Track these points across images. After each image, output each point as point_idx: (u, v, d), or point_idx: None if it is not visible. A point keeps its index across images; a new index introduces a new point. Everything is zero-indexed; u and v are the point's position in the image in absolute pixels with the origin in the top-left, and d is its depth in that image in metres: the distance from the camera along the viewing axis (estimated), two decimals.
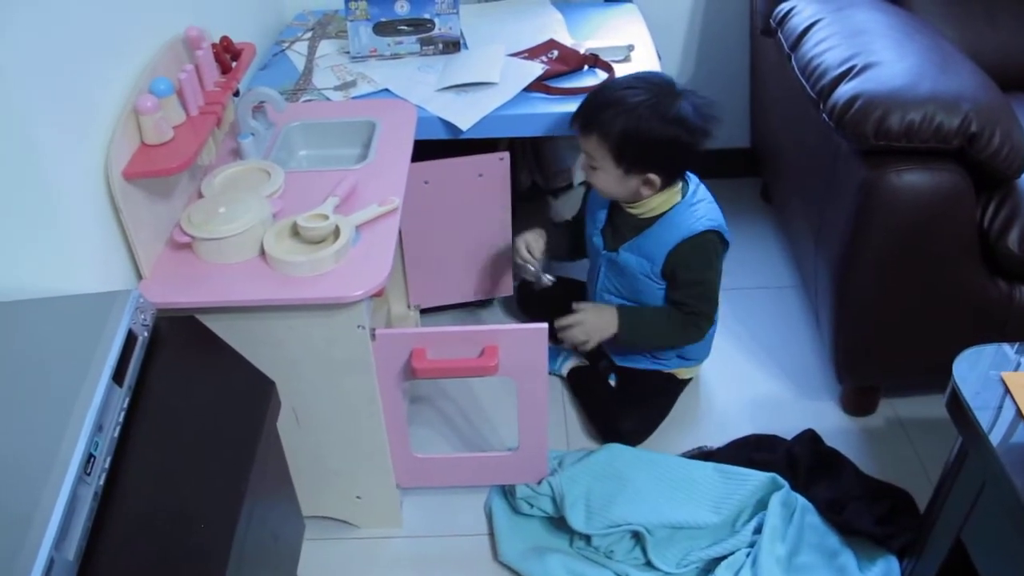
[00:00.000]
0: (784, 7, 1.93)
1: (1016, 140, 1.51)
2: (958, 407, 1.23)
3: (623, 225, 1.76)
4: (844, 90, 1.56)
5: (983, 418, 1.20)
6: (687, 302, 1.73)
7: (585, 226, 1.87)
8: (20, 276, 1.15)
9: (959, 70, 1.59)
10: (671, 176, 1.67)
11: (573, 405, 1.94)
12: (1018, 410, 1.20)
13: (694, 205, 1.70)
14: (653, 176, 1.63)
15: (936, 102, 1.49)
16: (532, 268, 1.83)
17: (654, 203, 1.70)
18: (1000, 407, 1.22)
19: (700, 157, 1.65)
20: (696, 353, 1.88)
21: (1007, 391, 1.23)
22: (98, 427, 0.96)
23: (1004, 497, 1.13)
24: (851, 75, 1.58)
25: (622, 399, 1.85)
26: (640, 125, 1.58)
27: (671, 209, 1.70)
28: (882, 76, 1.55)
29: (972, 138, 1.49)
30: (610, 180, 1.66)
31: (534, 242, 1.86)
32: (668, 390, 1.90)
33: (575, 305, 1.79)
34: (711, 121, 1.63)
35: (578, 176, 2.53)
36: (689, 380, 1.94)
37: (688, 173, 1.74)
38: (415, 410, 1.92)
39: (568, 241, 1.95)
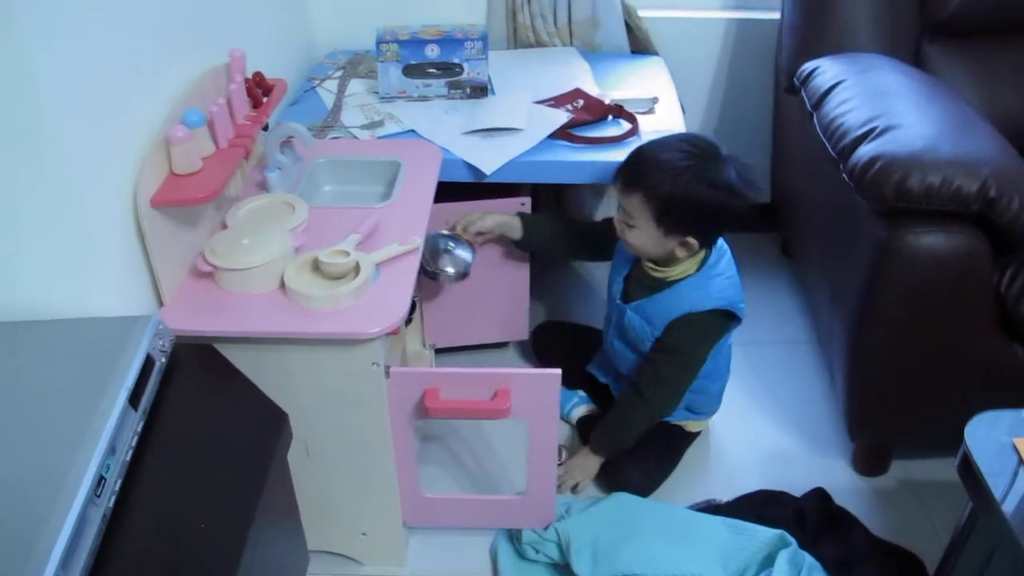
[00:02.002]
0: (808, 66, 1.96)
1: None
2: (969, 472, 1.23)
3: (640, 281, 1.76)
4: (865, 150, 1.58)
5: (994, 484, 1.19)
6: (659, 367, 1.72)
7: (610, 268, 1.87)
8: (44, 296, 1.17)
9: (979, 134, 1.60)
10: (709, 240, 1.67)
11: None
12: None
13: (711, 279, 1.69)
14: (691, 240, 1.63)
15: (956, 166, 1.50)
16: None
17: (674, 271, 1.70)
18: (1012, 473, 1.21)
19: (738, 222, 1.65)
20: (704, 407, 1.87)
21: (1019, 457, 1.23)
22: (111, 449, 0.97)
23: (1014, 565, 1.12)
24: (872, 136, 1.60)
25: (629, 450, 1.83)
26: (688, 189, 1.57)
27: (685, 279, 1.70)
28: (903, 138, 1.56)
29: (991, 202, 1.49)
30: (646, 239, 1.65)
31: (481, 222, 1.84)
32: (676, 442, 1.89)
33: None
34: (752, 187, 1.63)
35: None
36: (698, 433, 1.93)
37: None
38: (426, 449, 1.92)
39: (573, 238, 1.94)
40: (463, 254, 1.84)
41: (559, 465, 1.81)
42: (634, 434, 1.78)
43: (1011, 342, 1.62)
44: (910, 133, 1.58)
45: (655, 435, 1.85)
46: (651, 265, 1.73)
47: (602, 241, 1.86)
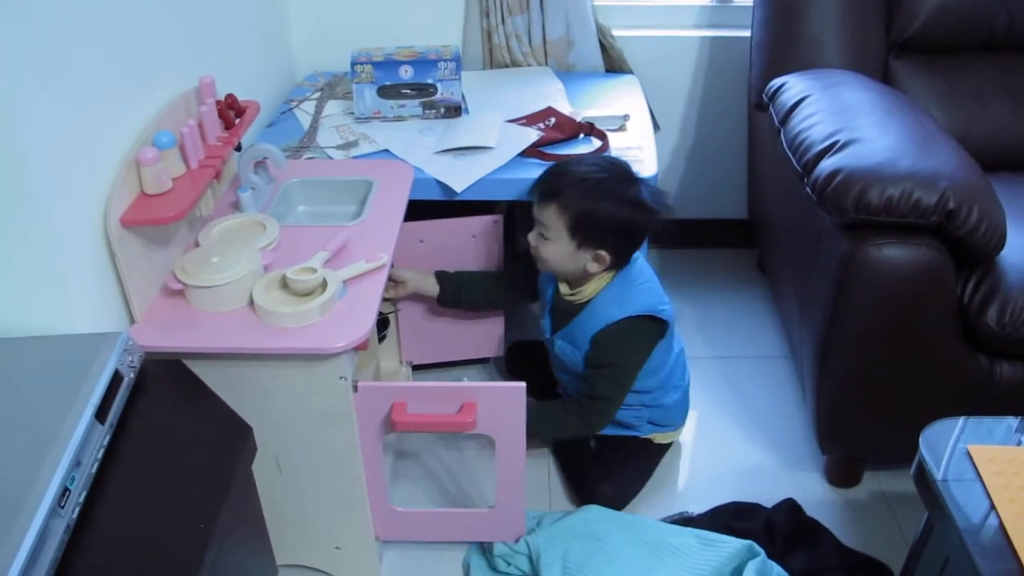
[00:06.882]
0: (776, 83, 1.99)
1: (994, 218, 1.54)
2: (923, 479, 1.25)
3: (562, 310, 1.80)
4: (826, 164, 1.60)
5: (947, 491, 1.21)
6: (593, 383, 1.74)
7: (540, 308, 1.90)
8: (16, 314, 1.19)
9: (939, 148, 1.63)
10: (620, 256, 1.70)
11: (556, 467, 1.95)
12: (983, 484, 1.21)
13: (625, 290, 1.72)
14: (604, 253, 1.67)
15: (914, 179, 1.53)
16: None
17: (587, 290, 1.73)
18: (966, 480, 1.23)
19: (645, 239, 1.72)
20: (665, 420, 1.88)
21: (973, 464, 1.25)
22: (76, 462, 0.99)
23: (965, 573, 1.13)
24: (834, 150, 1.63)
25: (601, 465, 1.85)
26: (600, 202, 1.63)
27: (599, 295, 1.73)
28: (863, 152, 1.59)
29: (950, 215, 1.52)
30: (560, 253, 1.69)
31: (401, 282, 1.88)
32: (646, 456, 1.91)
33: None
34: (664, 206, 1.69)
35: None
36: (668, 445, 1.95)
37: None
38: (401, 464, 1.94)
39: (496, 287, 1.97)
40: None
41: None
42: (563, 437, 1.80)
43: (975, 351, 1.64)
44: (871, 147, 1.61)
45: (626, 451, 1.87)
46: (566, 290, 1.77)
47: (527, 280, 1.92)
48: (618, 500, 1.81)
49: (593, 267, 1.69)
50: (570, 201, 1.64)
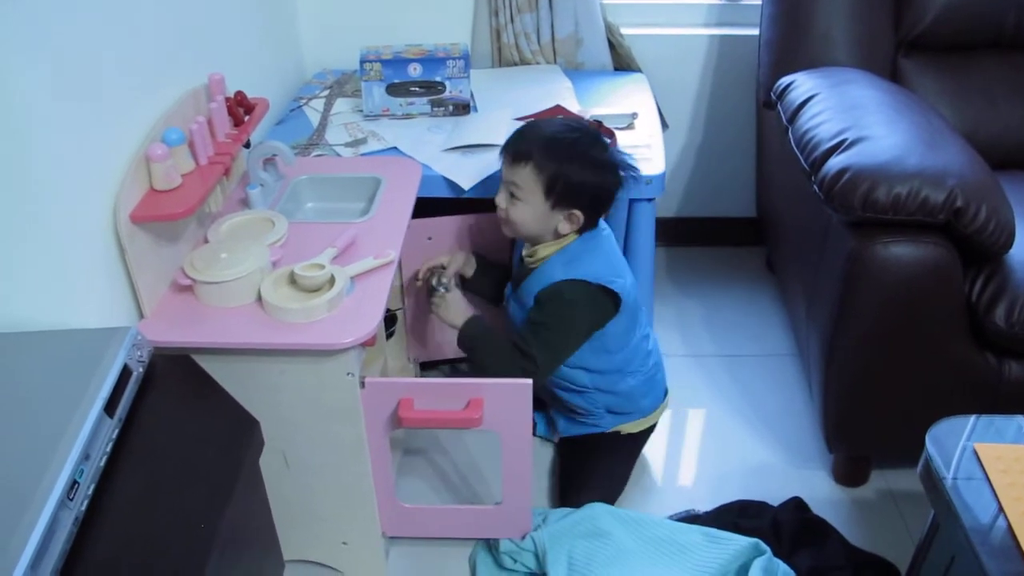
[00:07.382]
0: (784, 81, 1.99)
1: (1003, 216, 1.54)
2: (930, 478, 1.25)
3: (517, 275, 1.79)
4: (834, 162, 1.61)
5: (954, 489, 1.20)
6: (524, 336, 1.68)
7: None
8: (26, 309, 1.20)
9: (947, 146, 1.63)
10: (590, 217, 1.68)
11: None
12: (990, 483, 1.21)
13: (579, 255, 1.68)
14: (577, 213, 1.65)
15: (922, 177, 1.53)
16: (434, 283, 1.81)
17: (542, 252, 1.71)
18: (973, 479, 1.23)
19: (613, 201, 1.71)
20: (629, 407, 1.83)
21: (980, 463, 1.24)
22: (85, 455, 0.99)
23: (971, 572, 1.13)
24: (842, 148, 1.63)
25: (578, 475, 1.83)
26: (575, 162, 1.62)
27: (551, 257, 1.70)
28: (871, 150, 1.59)
29: (958, 213, 1.52)
30: (532, 213, 1.66)
31: (454, 265, 1.88)
32: (619, 449, 1.87)
33: (450, 286, 1.81)
34: (631, 169, 1.70)
35: None
36: (644, 435, 1.89)
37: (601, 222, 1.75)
38: (409, 461, 1.95)
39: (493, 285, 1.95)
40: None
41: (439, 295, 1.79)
42: (482, 363, 1.71)
43: (982, 350, 1.64)
44: (879, 145, 1.61)
45: (598, 453, 1.85)
46: (525, 252, 1.75)
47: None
48: (610, 500, 1.80)
49: (564, 227, 1.67)
50: (547, 162, 1.62)
